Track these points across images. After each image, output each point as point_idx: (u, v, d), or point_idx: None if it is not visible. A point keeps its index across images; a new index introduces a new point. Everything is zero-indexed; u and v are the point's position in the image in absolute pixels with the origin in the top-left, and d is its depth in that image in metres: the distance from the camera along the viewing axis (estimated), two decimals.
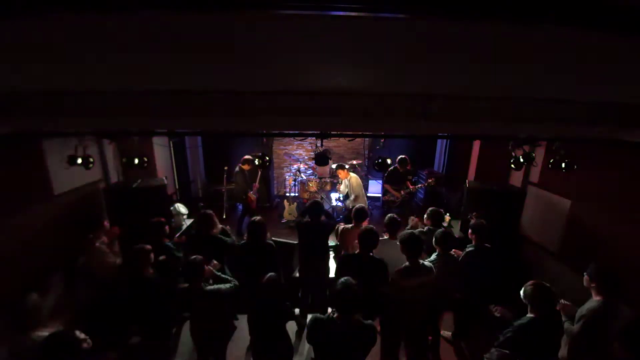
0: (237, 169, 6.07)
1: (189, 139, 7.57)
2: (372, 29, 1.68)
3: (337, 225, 4.15)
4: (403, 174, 5.78)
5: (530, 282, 2.57)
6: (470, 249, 3.55)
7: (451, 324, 3.94)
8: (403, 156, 5.72)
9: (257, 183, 6.33)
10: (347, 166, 6.19)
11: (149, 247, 3.13)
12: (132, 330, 3.45)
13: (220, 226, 3.95)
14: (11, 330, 2.95)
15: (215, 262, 3.26)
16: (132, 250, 3.10)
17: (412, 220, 4.41)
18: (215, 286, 2.95)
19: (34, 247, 3.71)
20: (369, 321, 2.37)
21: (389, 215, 3.73)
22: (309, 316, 2.43)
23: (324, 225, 3.85)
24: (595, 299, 2.63)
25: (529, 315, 2.53)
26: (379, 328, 3.25)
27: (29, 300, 3.18)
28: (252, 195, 6.09)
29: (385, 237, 3.64)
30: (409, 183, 5.83)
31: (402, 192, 5.80)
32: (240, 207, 6.75)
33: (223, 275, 3.19)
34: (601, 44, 1.72)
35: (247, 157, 6.01)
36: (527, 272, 4.67)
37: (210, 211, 3.76)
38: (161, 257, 3.38)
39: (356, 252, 3.23)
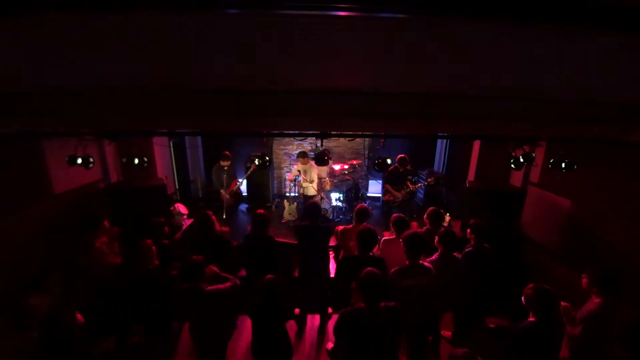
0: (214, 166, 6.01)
1: (189, 139, 7.56)
2: (372, 29, 1.68)
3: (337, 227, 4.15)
4: (403, 173, 5.77)
5: (531, 286, 2.52)
6: (469, 249, 3.55)
7: (451, 324, 3.94)
8: (403, 155, 5.71)
9: (240, 182, 6.20)
10: (311, 154, 6.43)
11: (150, 241, 3.21)
12: (132, 330, 3.45)
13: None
14: (11, 329, 2.95)
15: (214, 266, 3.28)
16: (135, 246, 3.15)
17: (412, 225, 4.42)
18: (215, 286, 2.96)
19: (34, 246, 3.71)
20: (392, 302, 2.52)
21: (396, 215, 3.71)
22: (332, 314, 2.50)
23: (323, 228, 3.84)
24: (595, 301, 2.62)
25: (530, 319, 2.50)
26: None
27: (28, 300, 3.18)
28: (224, 193, 5.93)
29: (392, 237, 3.64)
30: (408, 182, 5.83)
31: (402, 192, 5.80)
32: (243, 207, 6.75)
33: (222, 274, 3.19)
34: (602, 43, 1.72)
35: (225, 152, 5.95)
36: (527, 272, 4.68)
37: (209, 211, 3.77)
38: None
39: (355, 253, 3.23)
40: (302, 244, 3.82)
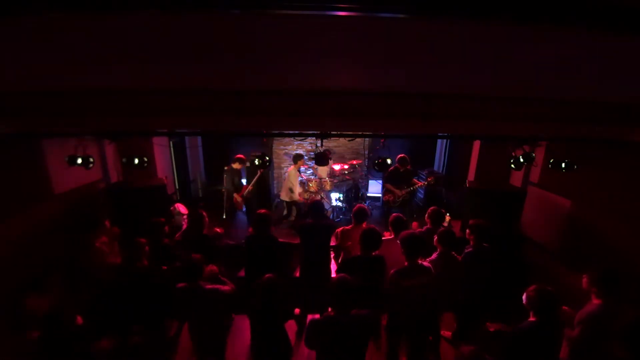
0: (226, 167, 5.95)
1: (189, 139, 7.56)
2: (372, 29, 1.68)
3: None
4: (403, 173, 5.78)
5: (533, 287, 2.50)
6: (469, 249, 3.54)
7: (451, 324, 3.94)
8: (403, 155, 5.72)
9: (250, 185, 6.02)
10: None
11: (143, 240, 3.26)
12: (132, 330, 3.45)
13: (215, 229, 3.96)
14: (11, 329, 2.96)
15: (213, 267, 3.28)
16: (129, 245, 3.23)
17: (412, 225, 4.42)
18: (215, 285, 2.96)
19: (34, 247, 3.71)
20: (365, 310, 2.44)
21: (395, 215, 3.70)
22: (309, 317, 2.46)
23: (326, 226, 3.84)
24: (595, 302, 2.62)
25: (531, 319, 2.49)
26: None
27: (28, 300, 3.18)
28: (237, 196, 5.91)
29: (390, 237, 3.63)
30: (415, 180, 5.86)
31: (403, 192, 5.80)
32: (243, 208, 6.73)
33: (222, 278, 3.21)
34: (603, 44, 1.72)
35: (239, 155, 5.87)
36: (527, 272, 4.68)
37: (201, 212, 3.76)
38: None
39: (358, 254, 3.22)
40: (304, 242, 3.82)
